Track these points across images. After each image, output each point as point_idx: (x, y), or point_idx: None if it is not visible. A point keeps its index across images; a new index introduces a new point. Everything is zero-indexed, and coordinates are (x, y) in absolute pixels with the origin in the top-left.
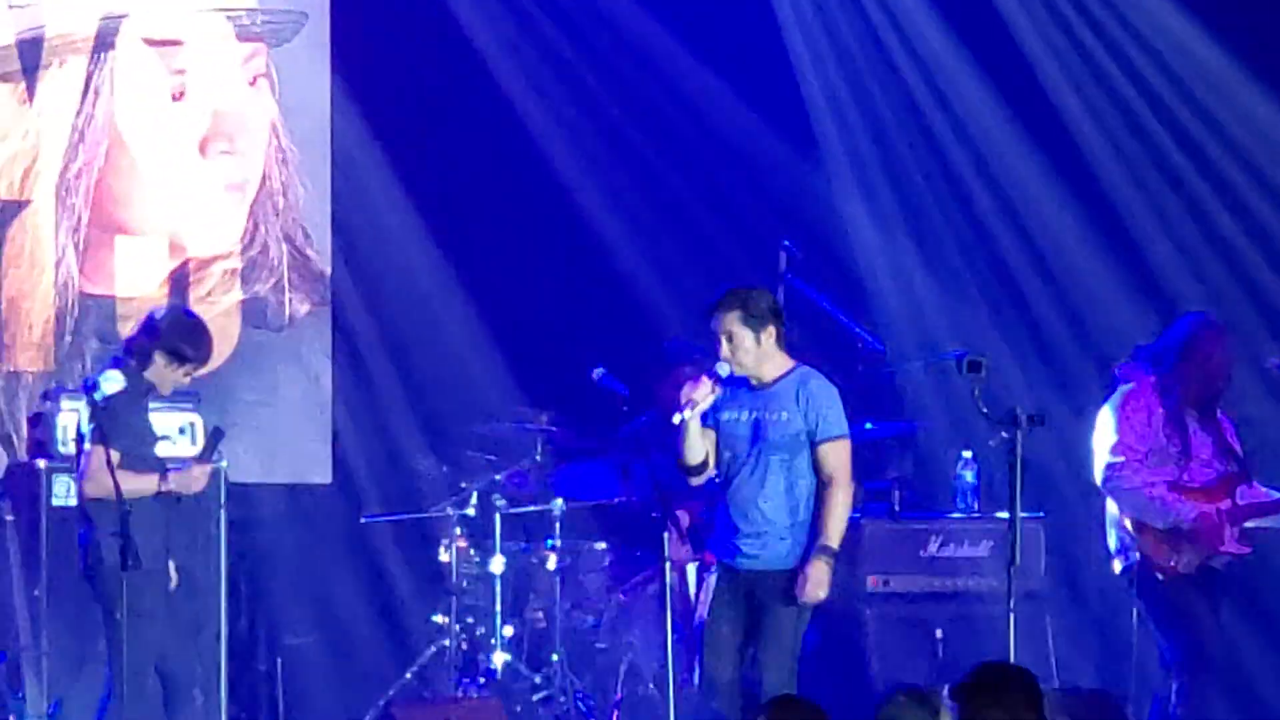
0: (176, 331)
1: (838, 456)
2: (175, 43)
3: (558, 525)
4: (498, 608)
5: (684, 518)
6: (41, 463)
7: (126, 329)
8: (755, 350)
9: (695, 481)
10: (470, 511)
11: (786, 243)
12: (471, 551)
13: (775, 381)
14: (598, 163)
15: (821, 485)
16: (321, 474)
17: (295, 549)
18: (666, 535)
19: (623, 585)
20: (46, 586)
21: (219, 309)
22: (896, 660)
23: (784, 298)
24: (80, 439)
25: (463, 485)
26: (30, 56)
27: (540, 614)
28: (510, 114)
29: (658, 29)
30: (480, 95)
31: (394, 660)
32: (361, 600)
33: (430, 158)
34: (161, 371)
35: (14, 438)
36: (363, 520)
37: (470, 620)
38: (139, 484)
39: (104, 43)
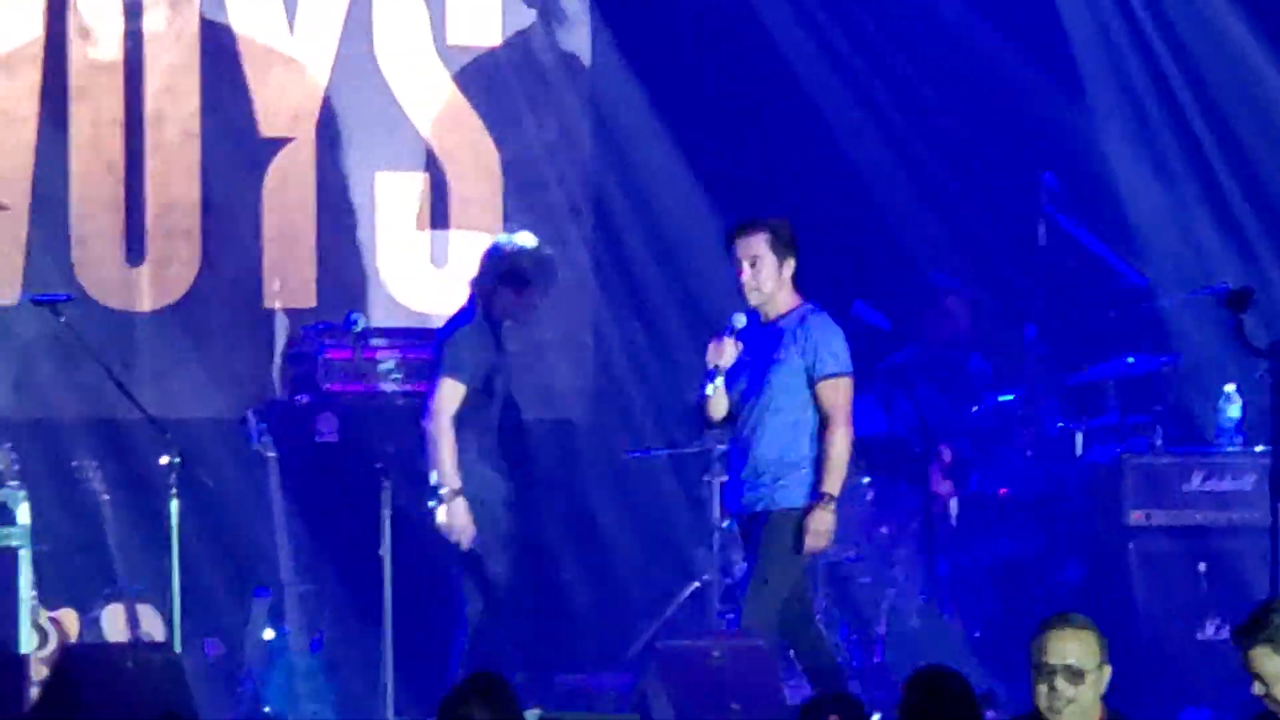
0: (521, 259)
1: (835, 394)
2: None
3: None
4: None
5: (946, 452)
6: (303, 399)
7: (385, 265)
8: (775, 279)
9: (718, 432)
10: None
11: (1047, 175)
12: None
13: (780, 318)
14: (857, 95)
15: (822, 424)
16: (584, 409)
17: (559, 485)
18: (930, 469)
19: (886, 519)
20: (309, 523)
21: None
22: (1160, 595)
23: (1044, 231)
24: (434, 369)
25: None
26: None
27: None
28: (768, 42)
29: None
30: (736, 20)
31: (657, 596)
32: (625, 536)
33: (688, 91)
34: (506, 301)
35: (276, 374)
36: (626, 456)
37: (732, 556)
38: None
39: None
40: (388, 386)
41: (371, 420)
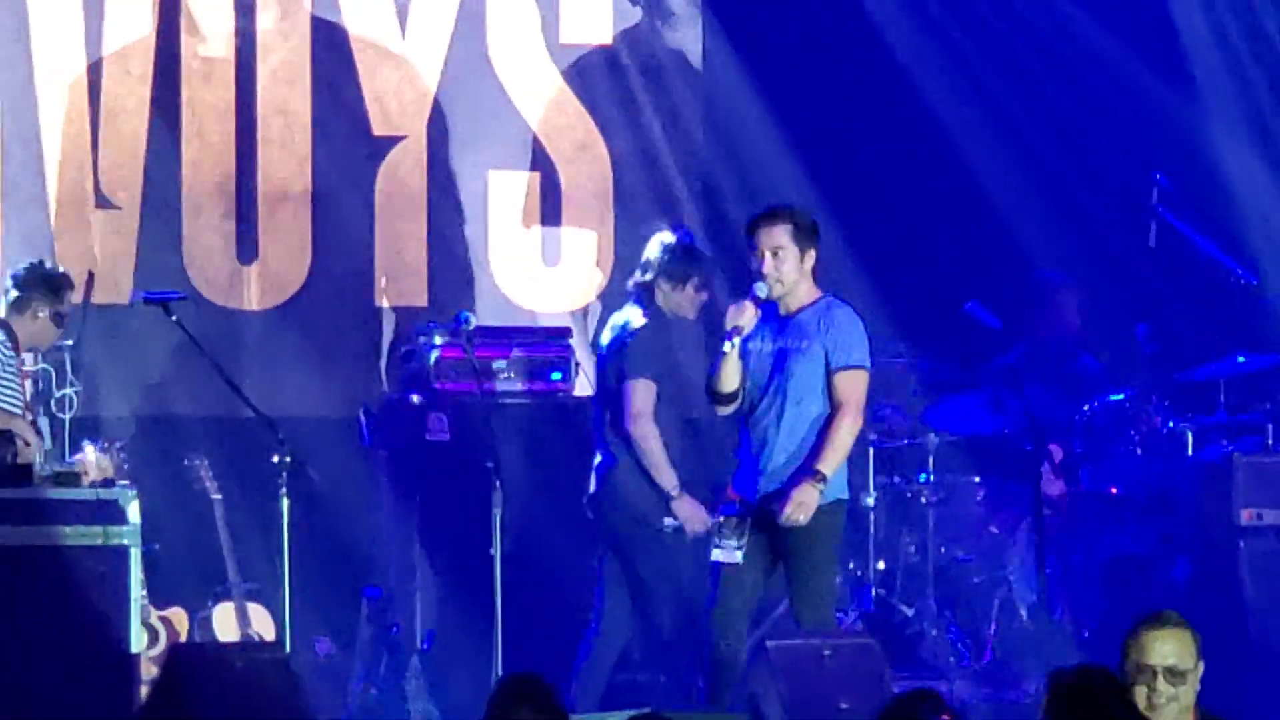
0: (680, 254)
1: (851, 385)
2: None
3: (931, 459)
4: (870, 542)
5: (1057, 451)
6: (415, 397)
7: (496, 263)
8: (797, 270)
9: (724, 411)
10: None
11: (1158, 175)
12: None
13: (801, 310)
14: (969, 92)
15: (832, 409)
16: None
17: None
18: (1041, 468)
19: (996, 518)
20: (419, 522)
21: None
22: (1269, 594)
23: (1156, 230)
24: (621, 375)
25: None
26: None
27: (913, 548)
28: (880, 39)
29: None
30: (848, 15)
31: (769, 594)
32: None
33: (798, 87)
34: (670, 297)
35: (385, 373)
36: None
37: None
38: None
39: None
40: (499, 385)
41: (482, 419)
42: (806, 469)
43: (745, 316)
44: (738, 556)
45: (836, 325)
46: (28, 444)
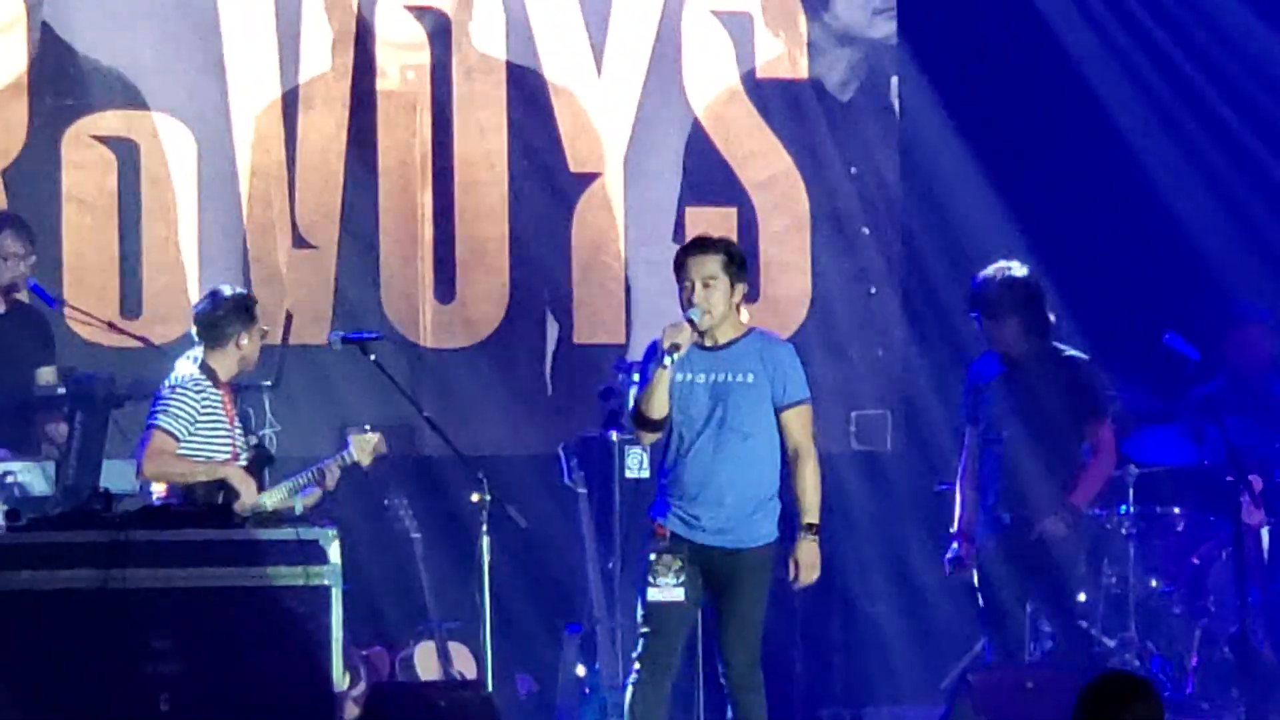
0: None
1: (805, 422)
2: (747, 15)
3: (1131, 490)
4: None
5: (1257, 482)
6: (614, 435)
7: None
8: (726, 301)
9: (648, 439)
10: None
11: None
12: None
13: (732, 343)
14: (1165, 125)
15: (790, 455)
16: (893, 442)
17: (870, 518)
18: (1241, 499)
19: (1197, 549)
20: (620, 559)
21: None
22: None
23: None
24: None
25: None
26: (598, 30)
27: (1114, 579)
28: (1076, 73)
29: None
30: (1043, 50)
31: (968, 628)
32: (935, 568)
33: (993, 123)
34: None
35: (583, 410)
36: (938, 489)
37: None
38: None
39: (671, 13)
40: None
41: None
42: (800, 527)
43: (683, 335)
44: (678, 594)
45: (780, 359)
46: (239, 495)
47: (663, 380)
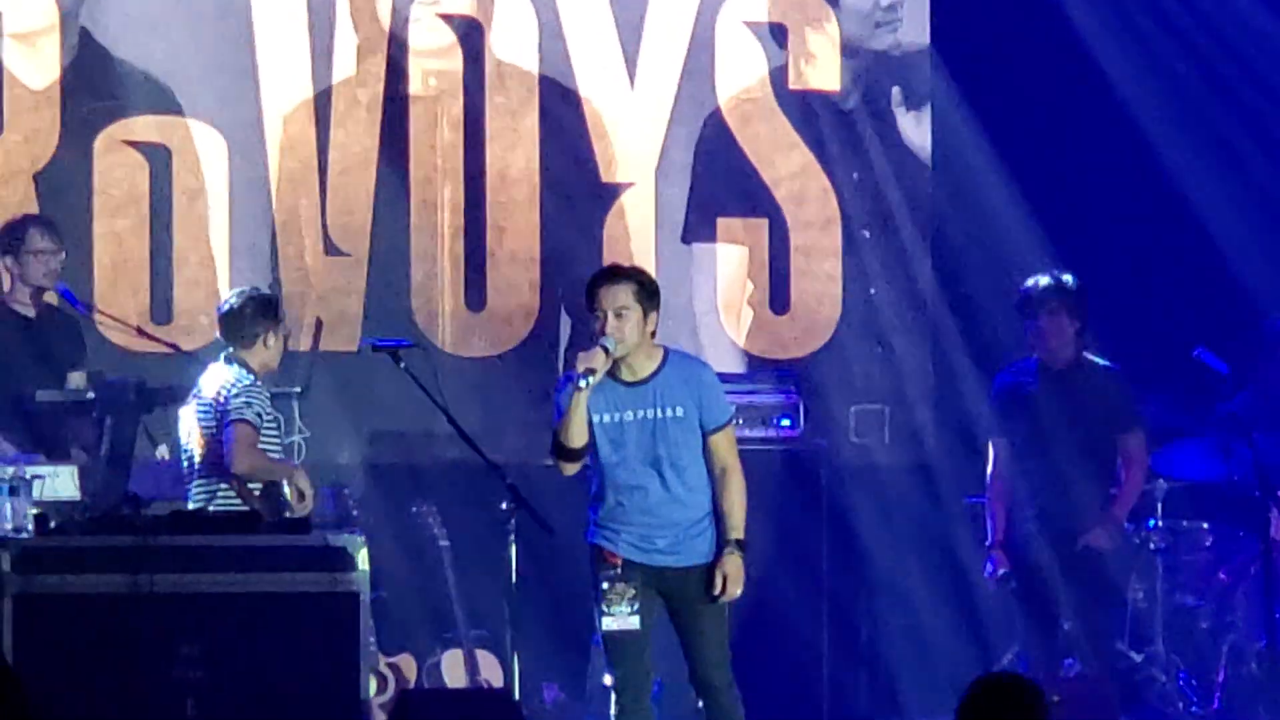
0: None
1: (732, 443)
2: (780, 25)
3: (1159, 505)
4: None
5: None
6: None
7: (725, 309)
8: (641, 330)
9: (569, 470)
10: None
11: None
12: None
13: (654, 376)
14: (1198, 138)
15: (717, 474)
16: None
17: (910, 528)
18: (1269, 515)
19: (1225, 565)
20: None
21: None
22: None
23: None
24: None
25: None
26: (630, 41)
27: (1141, 594)
28: (1108, 84)
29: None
30: (1076, 59)
31: (981, 643)
32: (942, 583)
33: (1027, 133)
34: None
35: None
36: (967, 502)
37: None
38: None
39: (704, 24)
40: None
41: None
42: (727, 542)
43: (598, 360)
44: (634, 623)
45: (704, 383)
46: (303, 496)
47: (579, 406)
